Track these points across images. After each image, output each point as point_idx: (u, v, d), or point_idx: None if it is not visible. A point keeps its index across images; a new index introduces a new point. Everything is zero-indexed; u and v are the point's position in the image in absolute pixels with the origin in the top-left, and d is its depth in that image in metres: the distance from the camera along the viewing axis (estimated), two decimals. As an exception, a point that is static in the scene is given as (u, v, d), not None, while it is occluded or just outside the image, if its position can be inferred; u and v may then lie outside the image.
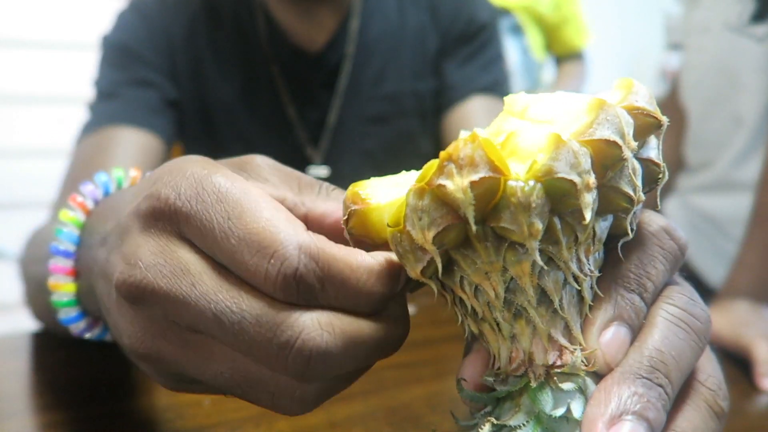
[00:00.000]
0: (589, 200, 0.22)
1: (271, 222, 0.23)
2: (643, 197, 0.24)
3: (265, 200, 0.24)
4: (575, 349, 0.23)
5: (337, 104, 0.83)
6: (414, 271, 0.24)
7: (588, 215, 0.22)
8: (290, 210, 0.27)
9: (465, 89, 0.82)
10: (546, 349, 0.24)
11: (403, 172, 0.27)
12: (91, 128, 0.74)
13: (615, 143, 0.22)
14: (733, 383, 0.56)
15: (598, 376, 0.24)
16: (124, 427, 0.42)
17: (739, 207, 0.83)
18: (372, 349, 0.24)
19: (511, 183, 0.21)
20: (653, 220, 0.26)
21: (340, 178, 0.87)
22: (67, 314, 0.36)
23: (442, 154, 0.22)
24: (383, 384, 0.48)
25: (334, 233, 0.27)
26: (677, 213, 0.99)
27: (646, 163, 0.24)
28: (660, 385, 0.23)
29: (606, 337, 0.24)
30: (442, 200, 0.22)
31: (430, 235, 0.22)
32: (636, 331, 0.24)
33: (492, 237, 0.22)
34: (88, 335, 0.37)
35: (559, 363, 0.23)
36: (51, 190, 0.73)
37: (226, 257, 0.23)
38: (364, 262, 0.24)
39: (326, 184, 0.29)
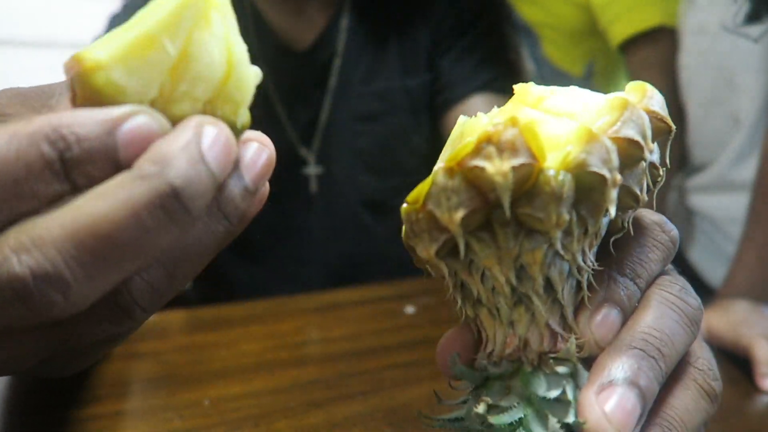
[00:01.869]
0: (614, 196, 0.22)
1: None
2: (646, 198, 0.24)
3: None
4: (570, 337, 0.24)
5: (328, 102, 0.83)
6: (427, 251, 0.23)
7: (613, 210, 0.22)
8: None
9: (464, 88, 0.81)
10: (542, 336, 0.24)
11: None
12: None
13: (638, 144, 0.22)
14: (733, 383, 0.57)
15: (589, 364, 0.24)
16: (123, 427, 0.42)
17: (738, 206, 0.83)
18: (125, 243, 0.18)
19: (545, 172, 0.21)
20: (645, 215, 0.27)
21: (334, 178, 0.87)
22: None
23: (480, 135, 0.21)
24: (383, 384, 0.48)
25: None
26: (677, 212, 0.99)
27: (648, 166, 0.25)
28: (653, 357, 0.23)
29: (597, 318, 0.24)
30: (473, 183, 0.22)
31: (458, 216, 0.22)
32: (627, 315, 0.24)
33: (513, 223, 0.22)
34: None
35: (553, 350, 0.24)
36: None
37: None
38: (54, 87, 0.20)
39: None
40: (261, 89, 0.23)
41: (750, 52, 0.82)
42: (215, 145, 0.20)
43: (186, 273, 0.22)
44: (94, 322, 0.21)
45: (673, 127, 0.24)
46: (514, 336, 0.24)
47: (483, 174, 0.21)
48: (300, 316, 0.64)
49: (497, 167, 0.21)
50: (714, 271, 0.91)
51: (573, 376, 0.24)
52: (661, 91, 0.25)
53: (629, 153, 0.22)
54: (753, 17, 0.81)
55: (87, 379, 0.49)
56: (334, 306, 0.67)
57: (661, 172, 0.25)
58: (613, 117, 0.23)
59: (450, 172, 0.22)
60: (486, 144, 0.21)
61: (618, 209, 0.24)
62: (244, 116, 0.23)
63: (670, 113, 0.25)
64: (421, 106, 0.84)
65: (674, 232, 0.27)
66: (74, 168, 0.19)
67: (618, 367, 0.22)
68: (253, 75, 0.23)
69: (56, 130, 0.19)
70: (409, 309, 0.65)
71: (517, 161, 0.21)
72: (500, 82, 0.82)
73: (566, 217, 0.22)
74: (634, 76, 0.88)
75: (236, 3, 0.81)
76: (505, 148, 0.21)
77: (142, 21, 0.21)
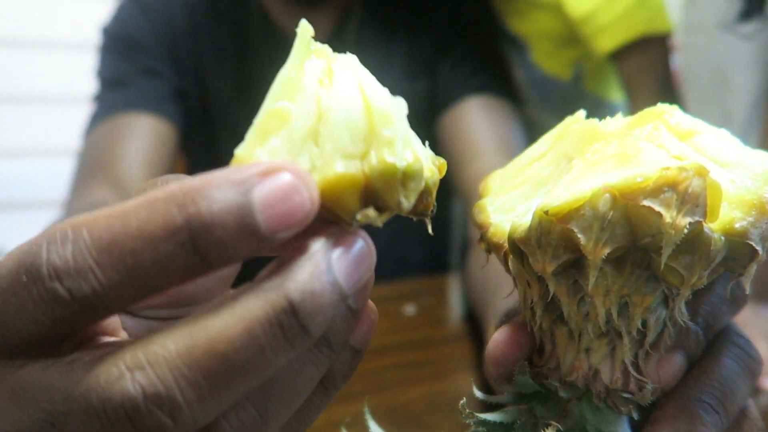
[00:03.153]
0: (753, 272, 0.21)
1: None
2: None
3: None
4: (647, 382, 0.24)
5: None
6: (544, 265, 0.22)
7: (747, 287, 0.22)
8: None
9: (460, 90, 0.81)
10: (613, 370, 0.24)
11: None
12: (102, 116, 0.74)
13: None
14: (732, 383, 0.57)
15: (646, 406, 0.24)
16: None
17: None
18: (243, 364, 0.17)
19: (708, 233, 0.20)
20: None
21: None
22: None
23: (664, 177, 0.19)
24: (383, 384, 0.48)
25: None
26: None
27: None
28: (717, 412, 0.23)
29: (666, 363, 0.24)
30: (633, 220, 0.20)
31: (604, 251, 0.20)
32: (692, 361, 0.25)
33: (645, 267, 0.21)
34: None
35: (623, 388, 0.24)
36: (51, 190, 0.73)
37: None
38: (133, 202, 0.17)
39: None
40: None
41: (742, 50, 0.82)
42: (346, 257, 0.18)
43: (278, 416, 0.19)
44: None
45: None
46: (584, 362, 0.24)
47: (653, 219, 0.20)
48: (300, 316, 0.64)
49: (674, 219, 0.19)
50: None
51: (631, 417, 0.24)
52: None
53: None
54: (745, 15, 0.81)
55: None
56: (334, 306, 0.67)
57: None
58: None
59: (613, 202, 0.20)
60: (668, 188, 0.19)
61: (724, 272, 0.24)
62: (405, 153, 0.19)
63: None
64: (424, 111, 0.84)
65: (746, 290, 0.28)
66: (203, 237, 0.16)
67: (686, 419, 0.23)
68: (397, 107, 0.21)
69: (186, 193, 0.16)
70: (409, 309, 0.65)
71: (693, 217, 0.19)
72: (494, 85, 0.82)
73: (705, 280, 0.21)
74: (627, 84, 0.88)
75: (243, 3, 0.81)
76: (688, 201, 0.19)
77: (267, 100, 0.19)
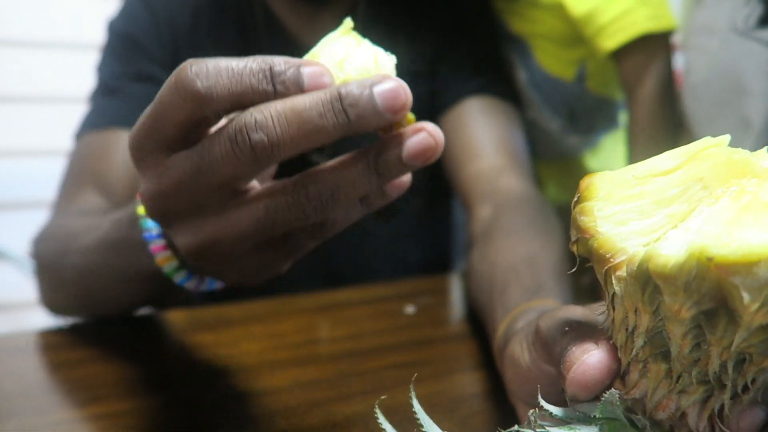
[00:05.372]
0: None
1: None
2: None
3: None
4: None
5: None
6: (680, 308, 0.21)
7: None
8: None
9: (460, 91, 0.81)
10: (701, 417, 0.24)
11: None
12: (91, 126, 0.74)
13: None
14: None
15: None
16: (123, 426, 0.42)
17: None
18: (309, 121, 0.29)
19: None
20: None
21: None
22: (180, 277, 0.43)
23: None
24: (383, 384, 0.48)
25: None
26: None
27: None
28: None
29: (746, 414, 0.24)
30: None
31: (766, 319, 0.19)
32: None
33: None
34: (202, 287, 0.45)
35: None
36: (51, 190, 0.73)
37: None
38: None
39: None
40: None
41: (761, 56, 0.81)
42: (386, 87, 0.30)
43: (341, 212, 0.34)
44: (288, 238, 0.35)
45: None
46: (672, 401, 0.24)
47: (737, 300, 0.19)
48: (300, 316, 0.64)
49: (754, 311, 0.19)
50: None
51: None
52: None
53: None
54: (766, 21, 0.80)
55: (87, 379, 0.49)
56: (334, 306, 0.67)
57: None
58: None
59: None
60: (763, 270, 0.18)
61: None
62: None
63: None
64: (425, 113, 0.84)
65: None
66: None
67: None
68: (391, 61, 0.34)
69: (265, 61, 0.31)
70: (409, 309, 0.65)
71: None
72: (494, 86, 0.82)
73: None
74: (626, 84, 0.87)
75: (247, 2, 0.82)
76: None
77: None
